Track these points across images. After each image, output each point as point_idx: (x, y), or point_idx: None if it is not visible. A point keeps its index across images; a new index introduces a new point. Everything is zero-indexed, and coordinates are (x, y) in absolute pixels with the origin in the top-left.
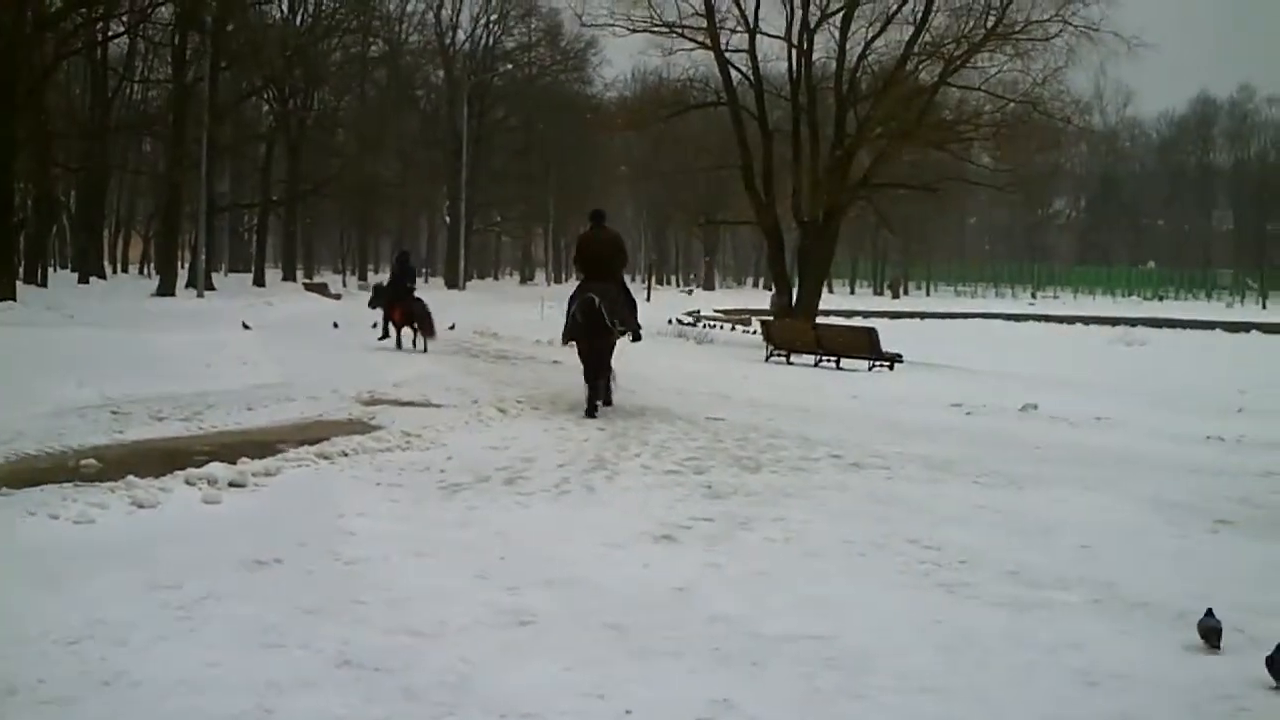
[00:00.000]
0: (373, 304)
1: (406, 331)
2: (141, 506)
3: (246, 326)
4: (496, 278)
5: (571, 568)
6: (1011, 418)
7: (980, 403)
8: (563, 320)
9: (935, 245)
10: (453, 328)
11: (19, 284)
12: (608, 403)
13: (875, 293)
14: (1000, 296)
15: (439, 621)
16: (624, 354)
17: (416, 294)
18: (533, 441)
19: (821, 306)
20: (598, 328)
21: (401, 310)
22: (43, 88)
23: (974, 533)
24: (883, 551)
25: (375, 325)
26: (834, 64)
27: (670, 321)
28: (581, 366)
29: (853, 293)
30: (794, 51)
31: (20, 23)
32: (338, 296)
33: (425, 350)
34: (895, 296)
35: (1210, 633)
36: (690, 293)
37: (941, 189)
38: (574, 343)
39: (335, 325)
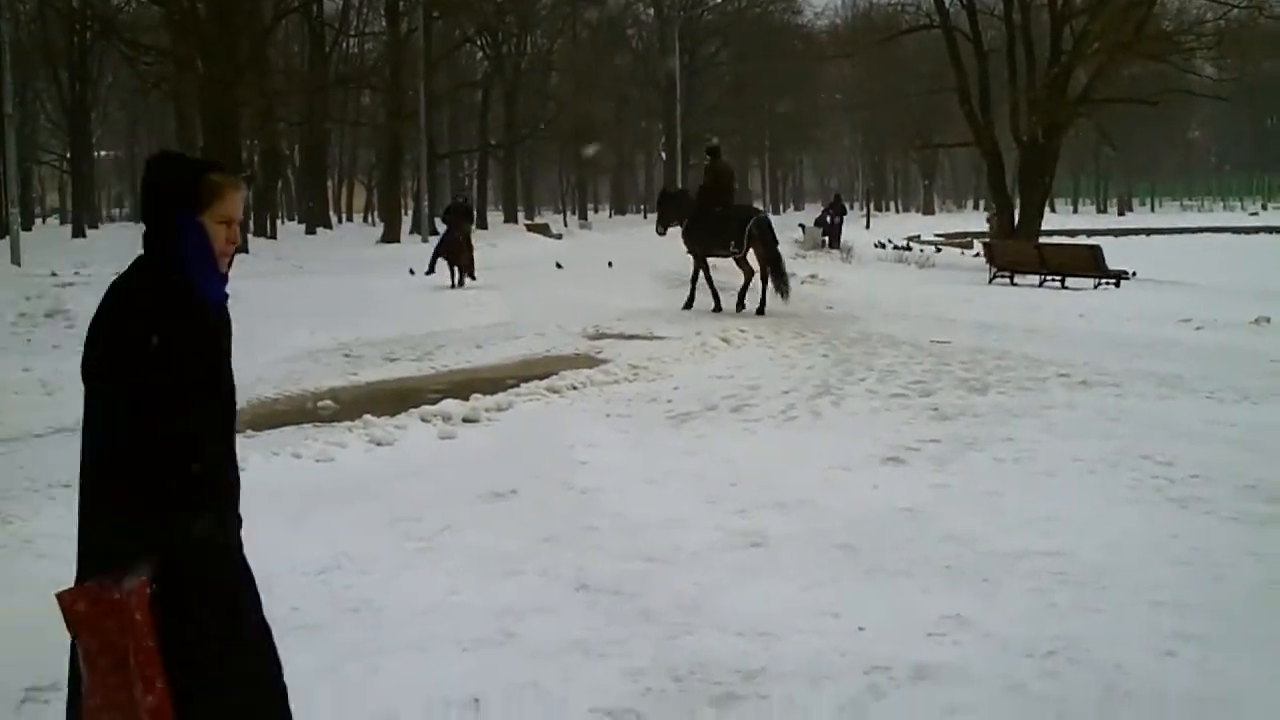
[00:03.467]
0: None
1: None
2: (379, 444)
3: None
4: None
5: (800, 491)
6: (1243, 332)
7: (1210, 317)
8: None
9: (1159, 160)
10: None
11: (249, 236)
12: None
13: (1098, 210)
14: (1229, 209)
15: (672, 546)
16: (845, 282)
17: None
18: (758, 370)
19: (1044, 226)
20: (772, 237)
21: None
22: (264, 47)
23: (1207, 448)
24: (1114, 469)
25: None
26: None
27: (884, 245)
28: (751, 272)
29: (1075, 212)
30: None
31: None
32: (558, 236)
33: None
34: (1121, 213)
35: None
36: (867, 226)
37: (1162, 102)
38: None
39: (559, 265)
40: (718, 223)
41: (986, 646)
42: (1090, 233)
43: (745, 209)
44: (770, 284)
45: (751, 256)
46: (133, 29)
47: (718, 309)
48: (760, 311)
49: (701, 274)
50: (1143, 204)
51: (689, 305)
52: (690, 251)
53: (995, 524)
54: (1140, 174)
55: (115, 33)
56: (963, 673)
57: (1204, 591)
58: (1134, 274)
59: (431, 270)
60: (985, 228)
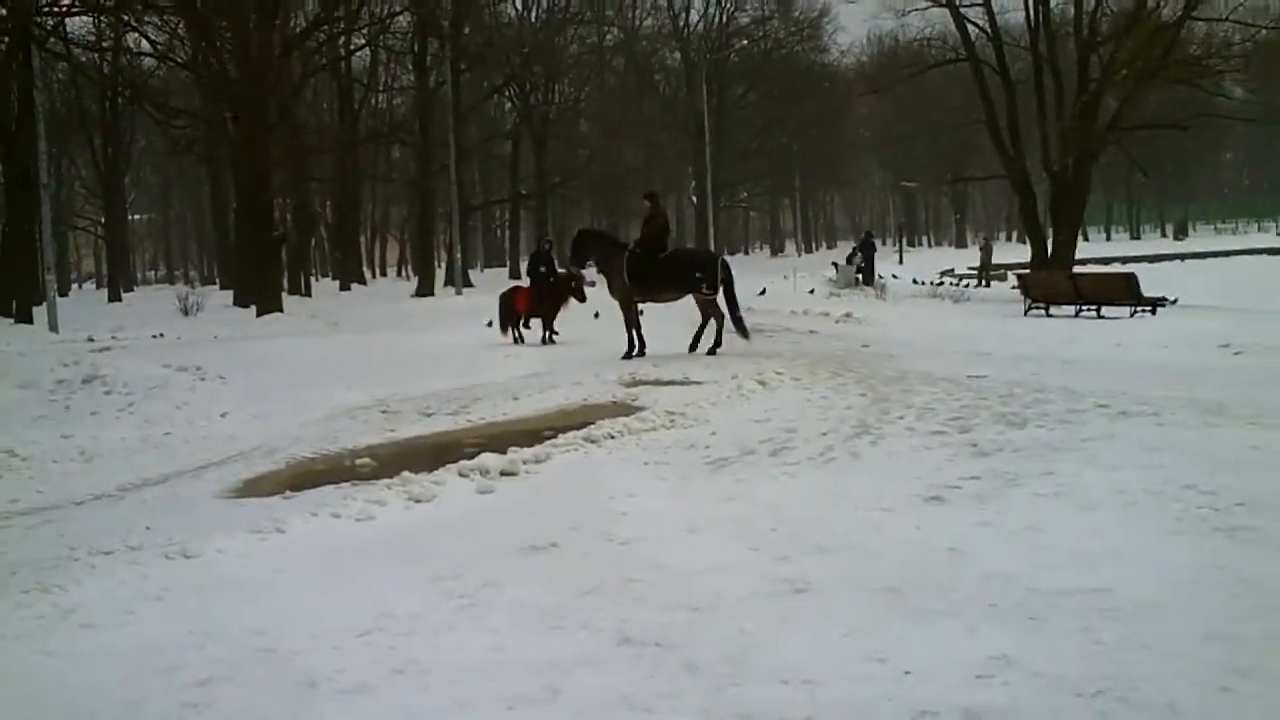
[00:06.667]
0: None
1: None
2: (418, 501)
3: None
4: (746, 252)
5: (842, 534)
6: None
7: (1249, 342)
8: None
9: (1192, 185)
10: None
11: (284, 295)
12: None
13: (1131, 237)
14: (1263, 231)
15: (715, 595)
16: (880, 319)
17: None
18: (794, 412)
19: (1078, 256)
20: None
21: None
22: (293, 105)
23: (1252, 476)
24: (1157, 499)
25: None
26: (1072, 9)
27: (917, 281)
28: (721, 315)
29: (1109, 239)
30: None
31: (268, 45)
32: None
33: (550, 341)
34: (1178, 238)
35: None
36: (900, 262)
37: (1193, 126)
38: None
39: (596, 316)
40: (675, 264)
41: (1035, 687)
42: (1125, 260)
43: (705, 251)
44: (732, 324)
45: (720, 298)
46: (163, 93)
47: (642, 353)
48: (713, 351)
49: (629, 317)
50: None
51: (640, 351)
52: (623, 294)
53: (1039, 561)
54: (1173, 199)
55: (146, 98)
56: (1012, 714)
57: (1257, 623)
58: (1175, 300)
59: (528, 326)
60: (1018, 259)
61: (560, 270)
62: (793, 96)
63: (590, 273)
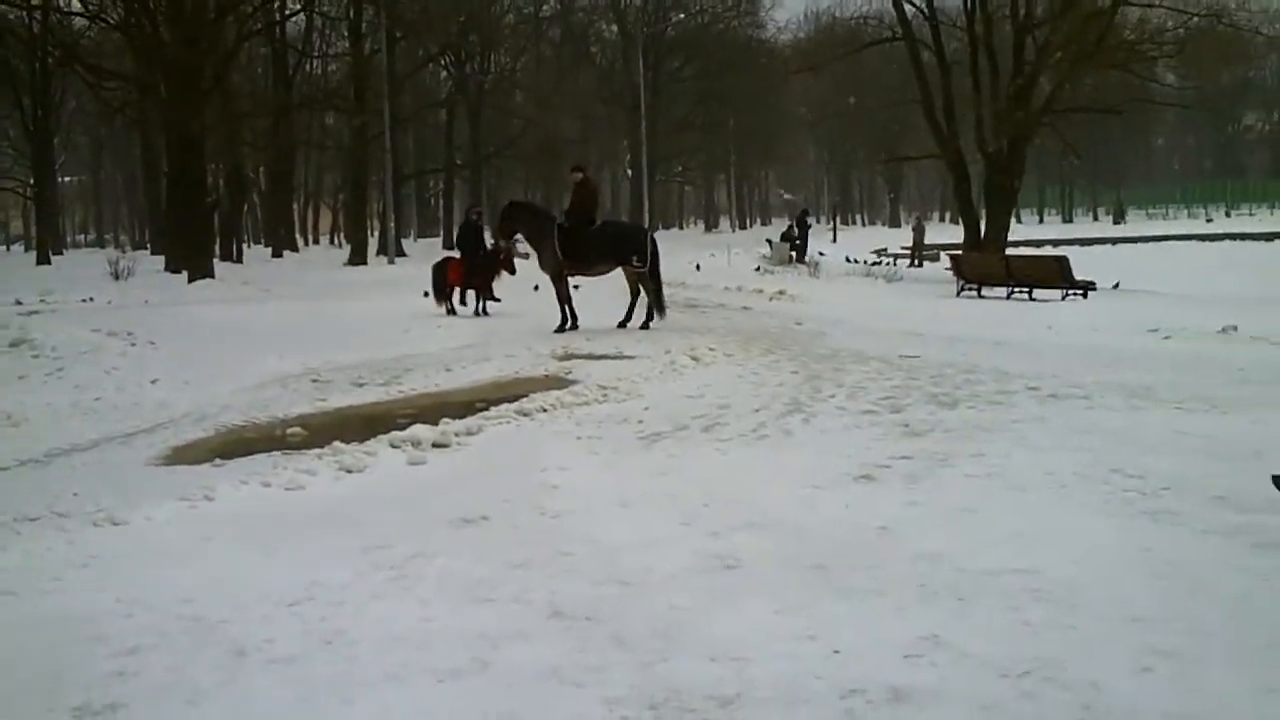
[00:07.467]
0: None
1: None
2: (349, 471)
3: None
4: (681, 227)
5: (774, 511)
6: (1211, 340)
7: (1178, 326)
8: (749, 261)
9: (1125, 169)
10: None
11: (216, 261)
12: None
13: (1063, 220)
14: (1193, 217)
15: (646, 569)
16: (813, 297)
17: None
18: (727, 388)
19: (1011, 238)
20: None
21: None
22: (227, 71)
23: (1178, 459)
24: (1086, 482)
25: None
26: None
27: (851, 260)
28: (653, 289)
29: (1041, 222)
30: None
31: (203, 8)
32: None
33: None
34: (1116, 222)
35: None
36: (833, 240)
37: (1125, 110)
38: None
39: (536, 289)
40: (605, 237)
41: (963, 667)
42: (1056, 242)
43: (635, 224)
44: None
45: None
46: (95, 54)
47: (575, 327)
48: (645, 326)
49: (561, 291)
50: (1107, 213)
51: (573, 325)
52: (554, 267)
53: (968, 541)
54: (1105, 183)
55: (77, 59)
56: (939, 694)
57: (1179, 606)
58: (1117, 285)
59: (463, 301)
60: (952, 240)
61: (489, 243)
62: (729, 71)
63: (521, 245)
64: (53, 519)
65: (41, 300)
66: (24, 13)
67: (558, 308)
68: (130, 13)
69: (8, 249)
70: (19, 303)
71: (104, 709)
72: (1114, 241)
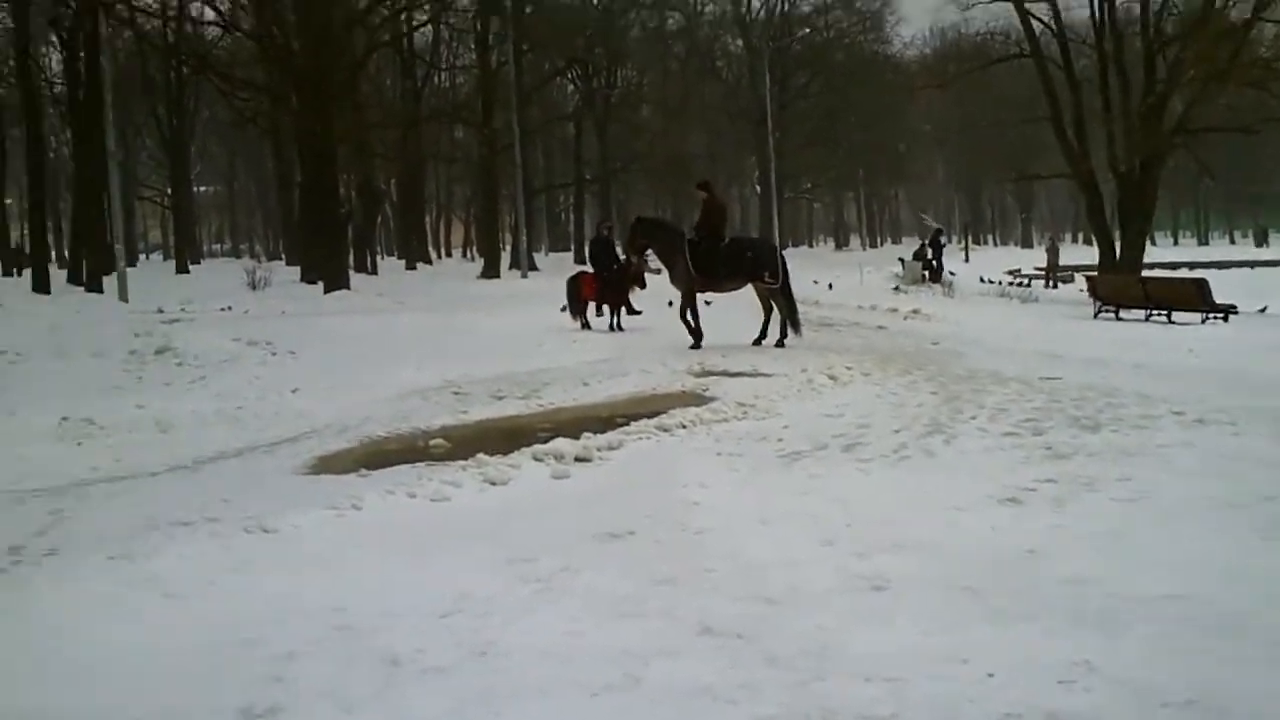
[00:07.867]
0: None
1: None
2: (493, 484)
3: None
4: (811, 245)
5: (918, 532)
6: None
7: None
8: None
9: (1263, 191)
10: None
11: (350, 272)
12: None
13: (1199, 243)
14: None
15: (791, 588)
16: (948, 317)
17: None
18: (866, 408)
19: (1145, 259)
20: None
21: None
22: (356, 80)
23: None
24: (1237, 509)
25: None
26: (1138, 7)
27: (985, 280)
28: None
29: (1175, 244)
30: None
31: (329, 20)
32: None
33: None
34: (1258, 245)
35: None
36: (965, 260)
37: (1262, 131)
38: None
39: (670, 305)
40: (737, 253)
41: (1120, 694)
42: (1193, 265)
43: (764, 239)
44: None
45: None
46: (228, 64)
47: (699, 345)
48: (780, 344)
49: (690, 308)
50: (1244, 236)
51: (698, 341)
52: (686, 284)
53: (1118, 566)
54: (1243, 205)
55: (210, 68)
56: None
57: None
58: (1264, 309)
59: (599, 314)
60: (1084, 260)
61: (621, 258)
62: (855, 86)
63: (652, 260)
64: (205, 524)
65: (182, 308)
66: (160, 22)
67: (685, 324)
68: (261, 22)
69: (147, 257)
70: (161, 310)
71: (265, 712)
72: (1252, 265)
